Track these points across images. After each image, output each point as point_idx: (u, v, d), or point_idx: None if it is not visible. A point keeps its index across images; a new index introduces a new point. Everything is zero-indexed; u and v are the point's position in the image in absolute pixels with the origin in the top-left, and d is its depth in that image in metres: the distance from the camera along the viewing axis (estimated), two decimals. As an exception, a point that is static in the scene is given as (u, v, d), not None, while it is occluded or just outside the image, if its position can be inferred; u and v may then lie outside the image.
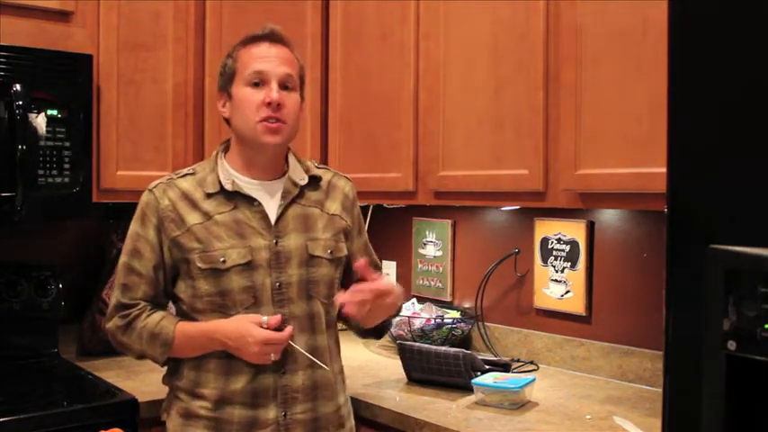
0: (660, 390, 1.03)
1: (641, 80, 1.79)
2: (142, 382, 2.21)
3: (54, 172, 2.21)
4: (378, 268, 2.00)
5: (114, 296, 1.77)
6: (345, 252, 1.86)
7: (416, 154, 2.39)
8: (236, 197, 1.75)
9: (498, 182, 2.15)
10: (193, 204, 1.75)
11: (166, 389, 1.83)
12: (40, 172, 2.18)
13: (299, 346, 1.74)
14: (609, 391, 2.15)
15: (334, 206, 1.86)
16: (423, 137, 2.37)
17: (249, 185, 1.78)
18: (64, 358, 2.49)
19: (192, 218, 1.73)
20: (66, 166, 2.23)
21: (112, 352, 2.51)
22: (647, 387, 2.18)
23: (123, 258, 1.78)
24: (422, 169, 2.37)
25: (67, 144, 2.23)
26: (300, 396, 1.75)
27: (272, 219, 1.76)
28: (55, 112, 2.21)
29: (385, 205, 2.81)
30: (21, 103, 2.11)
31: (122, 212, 2.61)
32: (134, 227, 1.78)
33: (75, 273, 2.63)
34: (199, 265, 1.71)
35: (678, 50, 1.00)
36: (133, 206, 2.46)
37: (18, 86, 2.12)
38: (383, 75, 2.48)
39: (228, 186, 1.75)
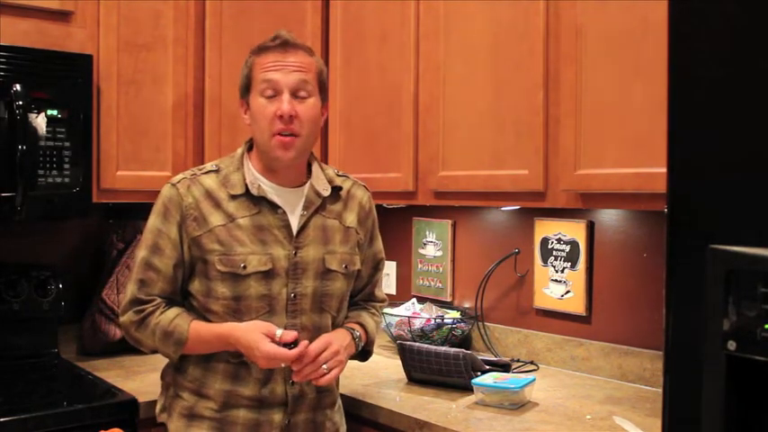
0: (660, 390, 1.03)
1: (641, 80, 1.79)
2: (142, 382, 2.21)
3: (54, 172, 2.21)
4: (376, 278, 2.00)
5: (130, 290, 1.74)
6: (358, 266, 1.86)
7: (416, 154, 2.39)
8: (260, 202, 1.74)
9: (498, 182, 2.15)
10: (217, 204, 1.73)
11: (166, 389, 1.83)
12: (40, 172, 2.18)
13: None
14: (609, 391, 2.15)
15: (350, 218, 1.85)
16: (423, 137, 2.37)
17: (272, 191, 1.76)
18: (64, 358, 2.49)
19: (215, 219, 1.71)
20: (66, 166, 2.23)
21: (112, 352, 2.53)
22: (647, 387, 2.18)
23: (142, 253, 1.73)
24: (422, 169, 2.38)
25: (67, 144, 2.23)
26: (306, 405, 1.78)
27: (294, 228, 1.75)
28: (55, 112, 2.21)
29: (385, 205, 2.81)
30: (21, 103, 2.11)
31: (122, 212, 2.62)
32: (155, 222, 1.74)
33: (75, 273, 2.63)
34: (219, 267, 1.69)
35: (678, 50, 1.00)
36: (133, 206, 2.49)
37: (18, 86, 2.12)
38: (383, 75, 2.48)
39: (254, 191, 1.73)
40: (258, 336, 1.62)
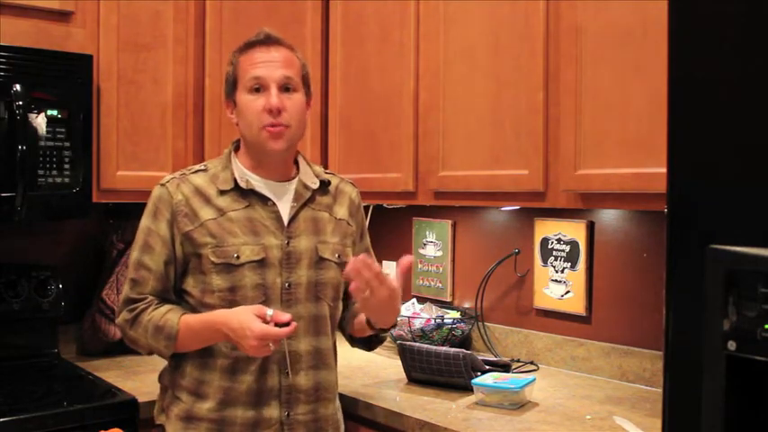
0: (660, 390, 1.03)
1: (641, 80, 1.79)
2: (142, 382, 2.21)
3: (54, 172, 2.21)
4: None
5: (123, 291, 1.77)
6: (351, 257, 1.86)
7: (416, 154, 2.39)
8: (250, 195, 1.76)
9: (498, 182, 2.15)
10: (207, 200, 1.75)
11: (165, 389, 1.83)
12: (40, 172, 2.18)
13: (304, 348, 1.76)
14: (609, 391, 2.15)
15: (341, 211, 1.87)
16: (423, 137, 2.37)
17: (261, 184, 1.78)
18: (64, 358, 2.49)
19: (206, 213, 1.73)
20: (66, 166, 2.23)
21: (112, 352, 2.53)
22: (647, 387, 2.18)
23: (134, 253, 1.76)
24: (422, 169, 2.38)
25: (67, 144, 2.23)
26: (303, 397, 1.77)
27: (285, 219, 1.77)
28: (55, 112, 2.21)
29: (385, 205, 2.81)
30: (21, 103, 2.11)
31: (122, 212, 2.62)
32: (146, 221, 1.77)
33: (75, 273, 2.63)
34: (212, 259, 1.70)
35: (678, 50, 1.00)
36: (133, 206, 2.48)
37: (18, 86, 2.12)
38: (383, 75, 2.48)
39: (243, 184, 1.76)
40: (249, 316, 1.61)
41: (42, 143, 2.18)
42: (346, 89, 2.61)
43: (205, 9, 2.54)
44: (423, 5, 2.36)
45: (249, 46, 1.78)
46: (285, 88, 1.75)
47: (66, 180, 2.23)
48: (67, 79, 2.24)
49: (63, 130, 2.22)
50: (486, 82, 2.17)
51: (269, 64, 1.75)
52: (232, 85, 1.80)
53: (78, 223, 2.64)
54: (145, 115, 2.44)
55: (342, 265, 1.83)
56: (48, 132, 2.20)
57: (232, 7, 2.57)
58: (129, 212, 2.60)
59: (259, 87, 1.74)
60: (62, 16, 2.29)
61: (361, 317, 1.84)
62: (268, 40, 1.78)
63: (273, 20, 2.58)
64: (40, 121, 2.18)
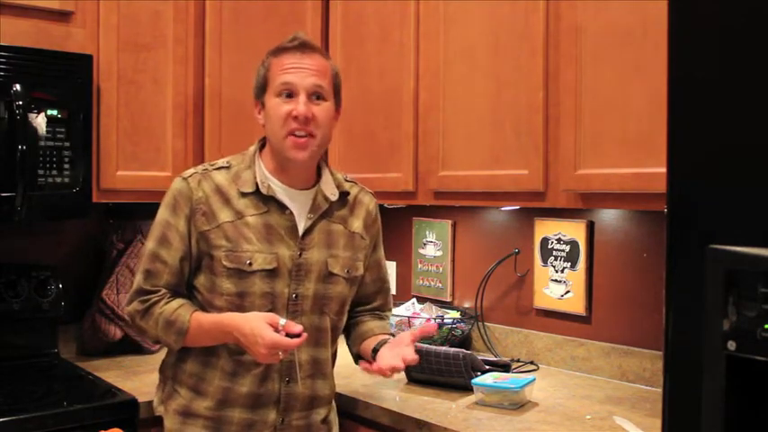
0: (660, 390, 1.03)
1: (641, 80, 1.79)
2: (142, 382, 2.21)
3: (54, 172, 2.21)
4: (385, 288, 2.00)
5: (136, 281, 1.76)
6: (362, 271, 1.87)
7: (416, 154, 2.39)
8: (269, 201, 1.75)
9: (498, 182, 2.15)
10: (226, 201, 1.74)
11: (165, 387, 1.83)
12: (40, 172, 2.18)
13: (303, 357, 1.77)
14: (609, 391, 2.15)
15: (356, 224, 1.86)
16: (423, 137, 2.37)
17: (281, 191, 1.77)
18: (64, 358, 2.49)
19: (224, 215, 1.73)
20: (66, 166, 2.23)
21: (112, 352, 2.53)
22: (647, 387, 2.18)
23: (150, 245, 1.75)
24: (422, 169, 2.38)
25: (67, 144, 2.23)
26: (299, 404, 1.79)
27: (300, 230, 1.76)
28: (55, 112, 2.21)
29: (385, 205, 2.81)
30: (21, 103, 2.11)
31: (122, 212, 2.62)
32: (164, 214, 1.75)
33: (76, 273, 2.63)
34: (225, 263, 1.71)
35: (678, 50, 1.00)
36: (134, 206, 2.49)
37: (18, 86, 2.12)
38: (383, 75, 2.48)
39: (264, 190, 1.75)
40: (261, 324, 1.61)
41: (42, 143, 2.18)
42: (346, 89, 2.58)
43: (205, 9, 2.54)
44: (423, 5, 2.36)
45: (282, 50, 1.76)
46: (315, 96, 1.74)
47: (67, 180, 2.23)
48: (67, 79, 2.24)
49: (63, 130, 2.22)
50: (486, 82, 2.17)
51: (301, 71, 1.73)
52: (262, 86, 1.78)
53: (78, 223, 2.63)
54: (145, 115, 2.43)
55: (351, 279, 1.84)
56: (48, 132, 2.19)
57: (232, 7, 2.57)
58: (129, 212, 2.60)
59: (290, 93, 1.73)
60: (62, 16, 2.29)
61: (368, 346, 1.83)
62: (303, 46, 1.76)
63: (273, 20, 2.59)
64: (40, 121, 2.18)
